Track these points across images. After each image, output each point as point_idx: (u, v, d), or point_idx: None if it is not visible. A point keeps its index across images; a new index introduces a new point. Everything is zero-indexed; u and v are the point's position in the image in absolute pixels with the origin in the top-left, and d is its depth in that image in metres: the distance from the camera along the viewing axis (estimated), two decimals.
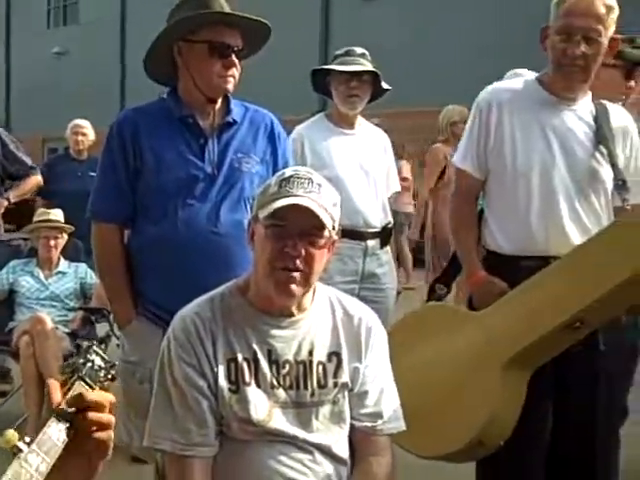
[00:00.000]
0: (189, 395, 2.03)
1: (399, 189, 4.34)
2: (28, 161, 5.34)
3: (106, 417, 1.34)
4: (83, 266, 5.21)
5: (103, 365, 1.50)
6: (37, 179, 5.47)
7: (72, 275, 5.15)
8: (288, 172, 2.07)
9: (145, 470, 3.98)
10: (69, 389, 1.40)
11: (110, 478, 3.92)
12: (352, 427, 2.13)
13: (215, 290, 2.19)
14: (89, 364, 1.46)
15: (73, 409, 1.31)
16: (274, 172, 2.67)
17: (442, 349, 2.92)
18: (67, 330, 4.81)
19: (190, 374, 2.04)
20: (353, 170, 3.97)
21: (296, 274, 2.01)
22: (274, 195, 2.02)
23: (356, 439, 2.13)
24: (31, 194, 5.83)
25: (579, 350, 2.80)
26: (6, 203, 5.23)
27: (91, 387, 1.42)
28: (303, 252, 2.00)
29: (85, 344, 1.55)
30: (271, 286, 2.04)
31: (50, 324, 4.64)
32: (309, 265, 2.02)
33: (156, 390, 2.10)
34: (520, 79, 3.09)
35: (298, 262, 2.00)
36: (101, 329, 4.92)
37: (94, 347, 1.52)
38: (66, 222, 5.22)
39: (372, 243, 3.98)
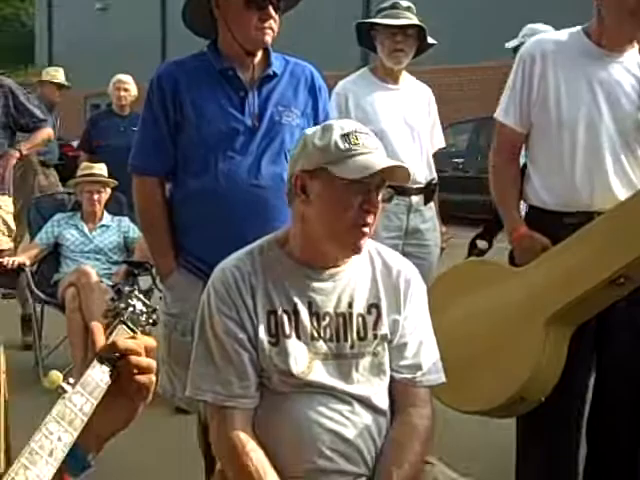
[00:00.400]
0: (229, 347, 2.05)
1: (444, 145, 4.29)
2: (39, 113, 5.33)
3: (146, 361, 1.36)
4: (126, 220, 5.26)
5: (144, 310, 1.52)
6: (48, 131, 5.47)
7: (115, 229, 5.20)
8: (347, 127, 2.06)
9: (189, 420, 4.05)
10: (111, 333, 1.42)
11: (155, 428, 4.03)
12: (392, 379, 2.13)
13: (254, 243, 2.19)
14: (131, 309, 1.49)
15: (115, 353, 1.33)
16: (315, 125, 2.65)
17: (484, 304, 2.90)
18: (110, 283, 4.87)
19: (230, 327, 2.05)
20: (398, 125, 3.93)
21: (367, 229, 2.02)
22: (349, 151, 2.00)
23: (396, 391, 2.13)
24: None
25: (623, 306, 2.76)
26: (18, 155, 5.25)
27: (133, 331, 1.45)
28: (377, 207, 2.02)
29: (127, 289, 1.57)
30: (343, 242, 2.05)
31: (95, 276, 4.71)
32: (375, 220, 2.02)
33: (197, 342, 2.12)
34: (564, 31, 3.01)
35: (371, 218, 2.00)
36: (144, 282, 4.97)
37: (135, 292, 1.55)
38: (109, 176, 5.26)
39: (416, 199, 3.95)
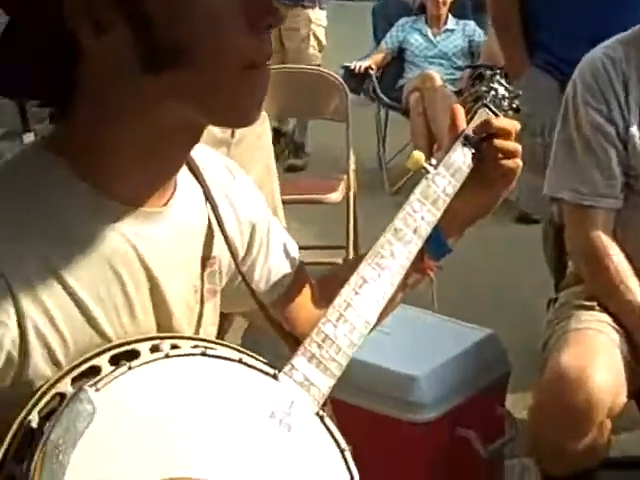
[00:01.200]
0: (595, 143, 1.89)
1: None
2: None
3: (513, 145, 1.26)
4: (471, 24, 5.09)
5: (507, 95, 1.42)
6: None
7: (460, 33, 5.06)
8: None
9: (529, 230, 3.99)
10: (472, 117, 1.35)
11: (497, 236, 3.97)
12: None
13: (624, 33, 1.97)
14: (492, 92, 1.40)
15: (484, 133, 1.25)
16: None
17: None
18: (454, 89, 4.80)
19: (597, 120, 1.88)
20: None
21: None
22: None
23: None
24: None
25: None
26: None
27: (495, 115, 1.36)
28: None
29: (488, 72, 1.47)
30: None
31: (439, 81, 4.66)
32: None
33: (558, 138, 1.98)
34: None
35: None
36: None
37: (497, 76, 1.44)
38: None
39: None
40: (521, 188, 2.84)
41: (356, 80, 4.97)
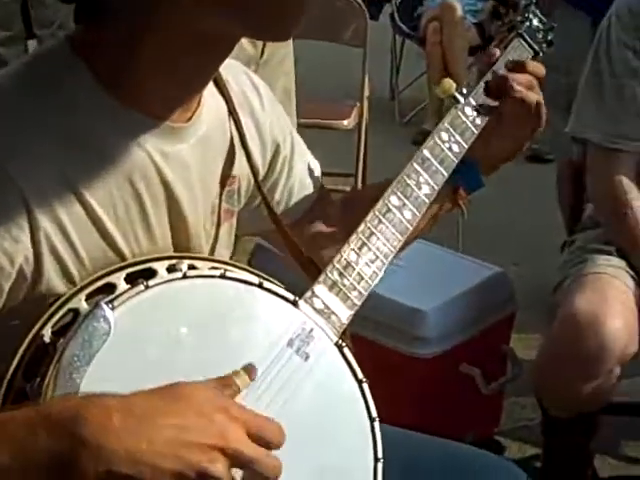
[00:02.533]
0: (626, 83, 1.83)
1: None
2: None
3: (536, 96, 1.19)
4: None
5: (541, 27, 1.37)
6: None
7: None
8: None
9: (540, 169, 3.94)
10: (506, 47, 1.30)
11: (507, 178, 3.92)
12: None
13: None
14: (527, 23, 1.34)
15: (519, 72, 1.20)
16: None
17: None
18: (475, 20, 4.68)
19: (630, 59, 1.82)
20: None
21: None
22: None
23: None
24: None
25: None
26: None
27: (531, 47, 1.31)
28: None
29: (523, 2, 1.41)
30: None
31: (460, 11, 4.54)
32: None
33: (587, 75, 1.92)
34: None
35: None
36: None
37: (532, 7, 1.39)
38: None
39: None
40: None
41: (375, 6, 4.84)
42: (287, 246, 1.07)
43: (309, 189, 1.17)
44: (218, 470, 0.72)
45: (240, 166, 1.04)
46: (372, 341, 1.94)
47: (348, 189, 3.36)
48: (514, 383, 2.14)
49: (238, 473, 0.78)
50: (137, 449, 0.70)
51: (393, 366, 1.95)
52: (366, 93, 3.50)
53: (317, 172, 1.20)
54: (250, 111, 1.07)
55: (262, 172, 1.10)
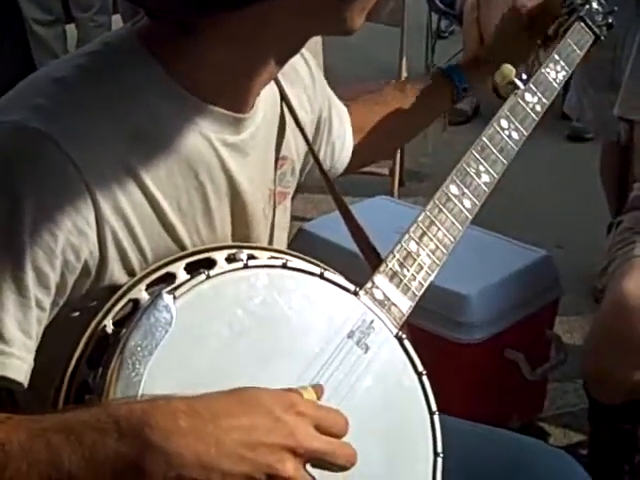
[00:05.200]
0: None
1: None
2: None
3: None
4: None
5: (600, 9, 1.34)
6: None
7: None
8: None
9: (581, 148, 3.88)
10: (566, 30, 1.28)
11: (547, 154, 3.87)
12: None
13: None
14: (587, 6, 1.32)
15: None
16: None
17: None
18: None
19: None
20: None
21: None
22: None
23: None
24: None
25: None
26: None
27: (591, 30, 1.29)
28: None
29: None
30: None
31: None
32: None
33: (635, 56, 1.88)
34: None
35: None
36: None
37: None
38: None
39: None
40: (583, 105, 2.75)
41: None
42: (348, 226, 1.06)
43: (348, 140, 1.22)
44: (288, 470, 0.71)
45: (289, 146, 1.04)
46: (415, 326, 1.92)
47: (386, 171, 3.34)
48: (557, 368, 2.11)
49: (315, 471, 0.77)
50: (205, 452, 0.69)
51: (437, 351, 1.91)
52: (404, 73, 3.46)
53: (345, 115, 1.23)
54: (303, 86, 1.08)
55: (311, 138, 1.11)
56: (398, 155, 3.38)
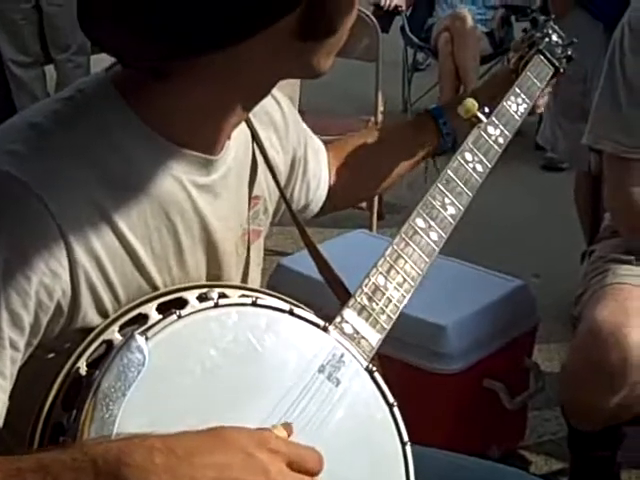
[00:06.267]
0: None
1: None
2: None
3: None
4: None
5: (560, 42, 1.38)
6: None
7: None
8: None
9: (557, 179, 3.93)
10: (526, 63, 1.31)
11: (521, 183, 3.90)
12: None
13: None
14: (547, 39, 1.36)
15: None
16: None
17: None
18: (486, 30, 4.68)
19: None
20: None
21: None
22: None
23: None
24: None
25: None
26: None
27: (550, 62, 1.33)
28: None
29: (542, 18, 1.42)
30: None
31: (470, 21, 4.54)
32: None
33: (602, 85, 1.91)
34: None
35: None
36: (518, 29, 4.73)
37: (551, 23, 1.40)
38: None
39: None
40: (557, 135, 2.80)
41: (385, 19, 4.85)
42: (316, 262, 1.08)
43: (323, 179, 1.23)
44: None
45: (261, 185, 1.06)
46: (392, 358, 1.93)
47: (364, 204, 3.37)
48: (537, 397, 2.13)
49: None
50: None
51: (414, 382, 1.94)
52: (380, 107, 3.50)
53: (322, 153, 1.24)
54: (274, 127, 1.10)
55: (283, 182, 1.12)
56: None
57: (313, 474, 0.78)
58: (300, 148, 1.17)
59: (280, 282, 2.01)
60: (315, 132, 1.28)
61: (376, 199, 3.40)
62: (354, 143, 1.29)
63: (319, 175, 1.22)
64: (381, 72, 3.51)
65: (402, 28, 4.97)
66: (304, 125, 1.20)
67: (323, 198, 1.24)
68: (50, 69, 4.21)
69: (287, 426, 0.83)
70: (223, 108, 0.90)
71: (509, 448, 2.14)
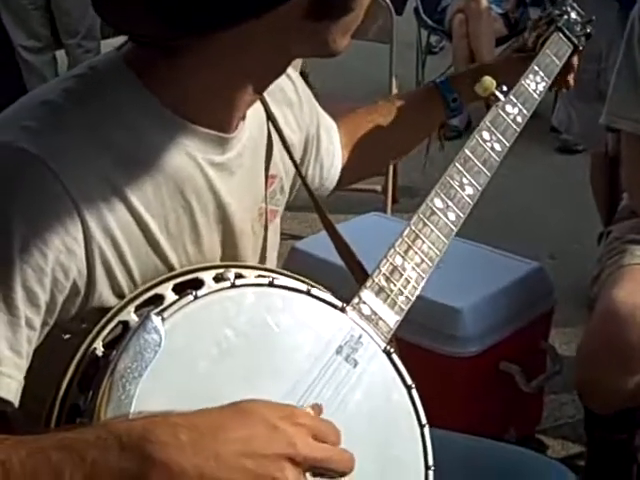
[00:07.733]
0: None
1: None
2: None
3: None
4: None
5: (579, 19, 1.36)
6: None
7: None
8: None
9: (571, 160, 3.91)
10: (545, 41, 1.29)
11: (536, 164, 3.89)
12: None
13: None
14: (565, 16, 1.33)
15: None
16: None
17: None
18: (500, 11, 4.64)
19: None
20: None
21: None
22: None
23: None
24: None
25: None
26: None
27: (569, 39, 1.31)
28: None
29: None
30: None
31: (485, 2, 4.50)
32: None
33: (620, 64, 1.89)
34: None
35: None
36: (534, 12, 4.68)
37: (570, 0, 1.37)
38: None
39: None
40: (571, 117, 2.77)
41: (399, 0, 4.81)
42: (335, 244, 1.07)
43: (337, 157, 1.22)
44: (288, 478, 0.72)
45: (277, 164, 1.05)
46: (407, 341, 1.92)
47: (378, 188, 3.36)
48: (554, 380, 2.12)
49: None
50: (205, 465, 0.70)
51: (430, 366, 1.92)
52: (394, 89, 3.48)
53: (334, 131, 1.23)
54: (289, 104, 1.09)
55: (299, 159, 1.11)
56: (391, 172, 3.39)
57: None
58: (313, 126, 1.16)
59: (295, 265, 2.00)
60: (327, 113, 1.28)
61: (390, 182, 3.38)
62: (363, 118, 1.29)
63: (332, 152, 1.22)
64: (395, 54, 3.49)
65: (416, 10, 4.93)
66: (316, 103, 1.19)
67: (337, 176, 1.24)
68: (62, 54, 4.20)
69: (316, 407, 0.83)
70: (234, 87, 0.89)
71: (526, 432, 2.13)
